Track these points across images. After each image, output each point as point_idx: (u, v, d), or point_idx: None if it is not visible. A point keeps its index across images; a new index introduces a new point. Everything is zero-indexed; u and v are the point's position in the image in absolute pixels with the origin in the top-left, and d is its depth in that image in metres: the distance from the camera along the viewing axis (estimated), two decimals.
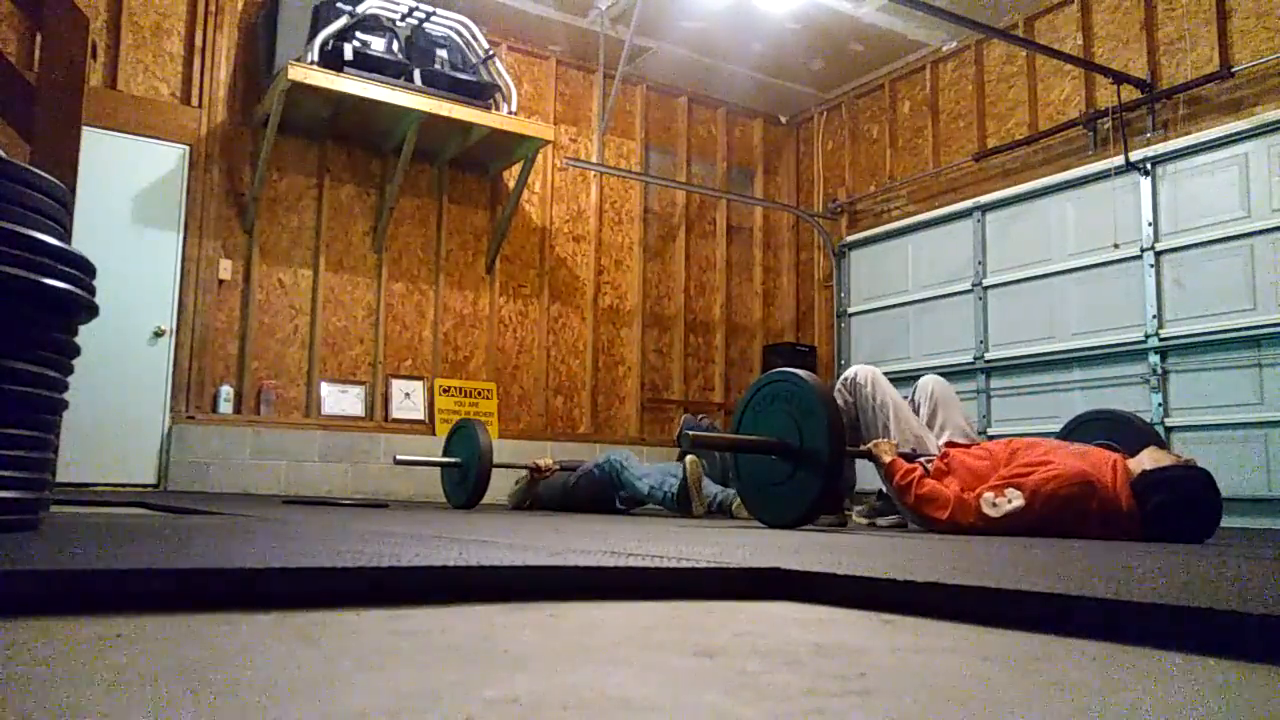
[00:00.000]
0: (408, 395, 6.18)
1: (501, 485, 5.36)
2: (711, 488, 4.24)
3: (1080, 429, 3.83)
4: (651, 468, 4.51)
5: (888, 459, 3.23)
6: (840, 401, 3.54)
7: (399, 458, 4.68)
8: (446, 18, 6.07)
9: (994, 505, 2.91)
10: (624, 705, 0.56)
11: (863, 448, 3.35)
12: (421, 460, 4.85)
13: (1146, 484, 2.86)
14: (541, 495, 4.88)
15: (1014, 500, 2.88)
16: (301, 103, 5.53)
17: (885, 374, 3.75)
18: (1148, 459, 2.96)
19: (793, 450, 2.96)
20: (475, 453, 4.41)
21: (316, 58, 5.43)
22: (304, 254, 6.02)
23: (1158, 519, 2.82)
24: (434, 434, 6.02)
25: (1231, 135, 5.08)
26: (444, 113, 5.74)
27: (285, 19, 5.70)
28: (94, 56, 5.42)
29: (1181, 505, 2.81)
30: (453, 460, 4.67)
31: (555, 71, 7.01)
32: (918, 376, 3.98)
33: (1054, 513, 2.87)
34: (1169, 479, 2.84)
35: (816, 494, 2.87)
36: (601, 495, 4.56)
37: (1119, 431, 3.63)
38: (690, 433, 3.19)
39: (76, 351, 1.66)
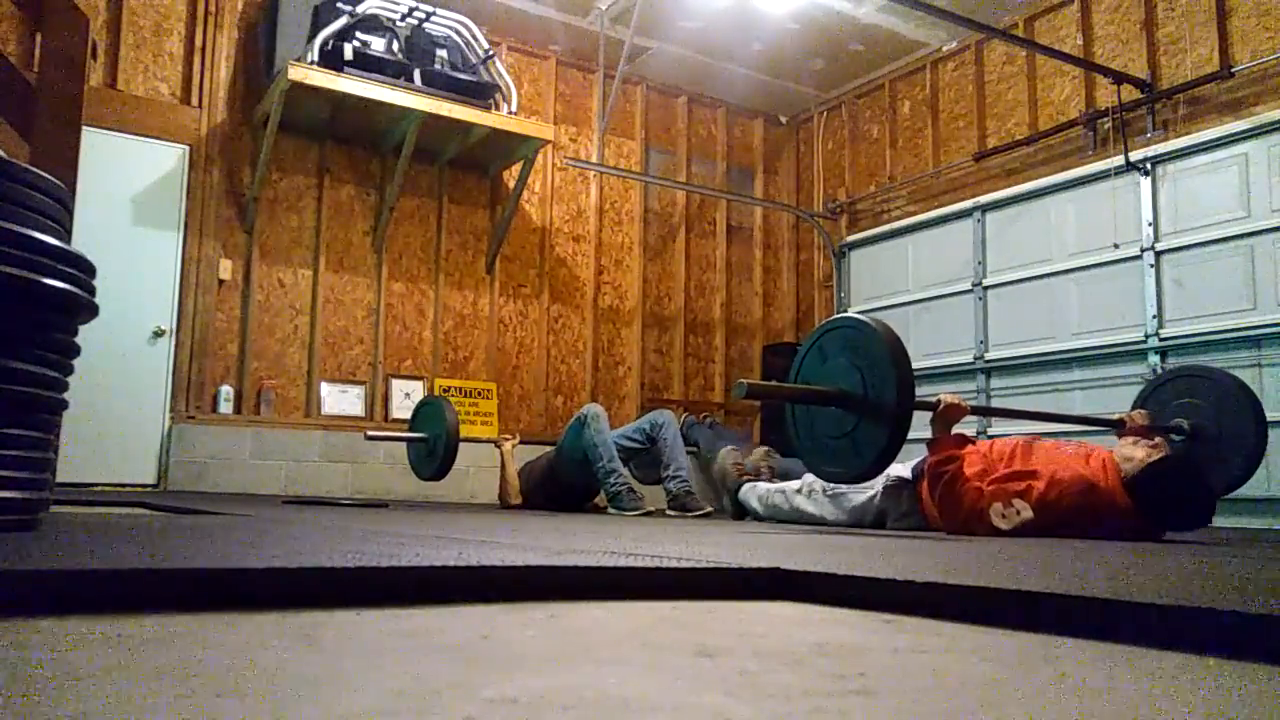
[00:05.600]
0: (408, 395, 6.18)
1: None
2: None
3: (1162, 389, 3.81)
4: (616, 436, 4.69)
5: (940, 432, 3.09)
6: None
7: (369, 434, 5.14)
8: (446, 18, 6.07)
9: (1003, 517, 2.93)
10: (624, 705, 0.56)
11: (932, 399, 3.15)
12: (391, 436, 5.31)
13: (1137, 484, 2.92)
14: (523, 487, 4.97)
15: (1023, 513, 2.93)
16: (301, 103, 5.53)
17: None
18: (1129, 454, 3.01)
19: (856, 400, 2.75)
20: (443, 428, 4.74)
21: (316, 58, 5.42)
22: (304, 254, 6.02)
23: (1155, 515, 2.91)
24: None
25: (1231, 135, 5.07)
26: (444, 113, 5.74)
27: (285, 19, 5.69)
28: (94, 56, 5.41)
29: (1174, 501, 2.91)
30: (419, 435, 4.99)
31: (555, 71, 7.01)
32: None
33: (1061, 518, 2.93)
34: (1157, 476, 2.90)
35: (884, 446, 2.68)
36: (583, 475, 4.61)
37: (1203, 393, 3.62)
38: (748, 383, 2.98)
39: (76, 351, 1.66)
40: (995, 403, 6.01)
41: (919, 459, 3.34)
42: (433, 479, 4.93)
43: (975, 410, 3.21)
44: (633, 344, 7.15)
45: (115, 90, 5.52)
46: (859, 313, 7.05)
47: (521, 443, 5.30)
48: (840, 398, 2.78)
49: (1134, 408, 3.79)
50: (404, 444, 5.28)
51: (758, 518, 3.90)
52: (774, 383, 3.33)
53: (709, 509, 4.36)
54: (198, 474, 5.44)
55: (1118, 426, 3.45)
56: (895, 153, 7.14)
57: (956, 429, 3.25)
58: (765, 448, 4.39)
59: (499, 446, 5.16)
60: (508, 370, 6.66)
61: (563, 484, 4.81)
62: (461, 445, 4.82)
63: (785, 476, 4.04)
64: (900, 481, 3.37)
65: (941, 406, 3.11)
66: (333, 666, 0.65)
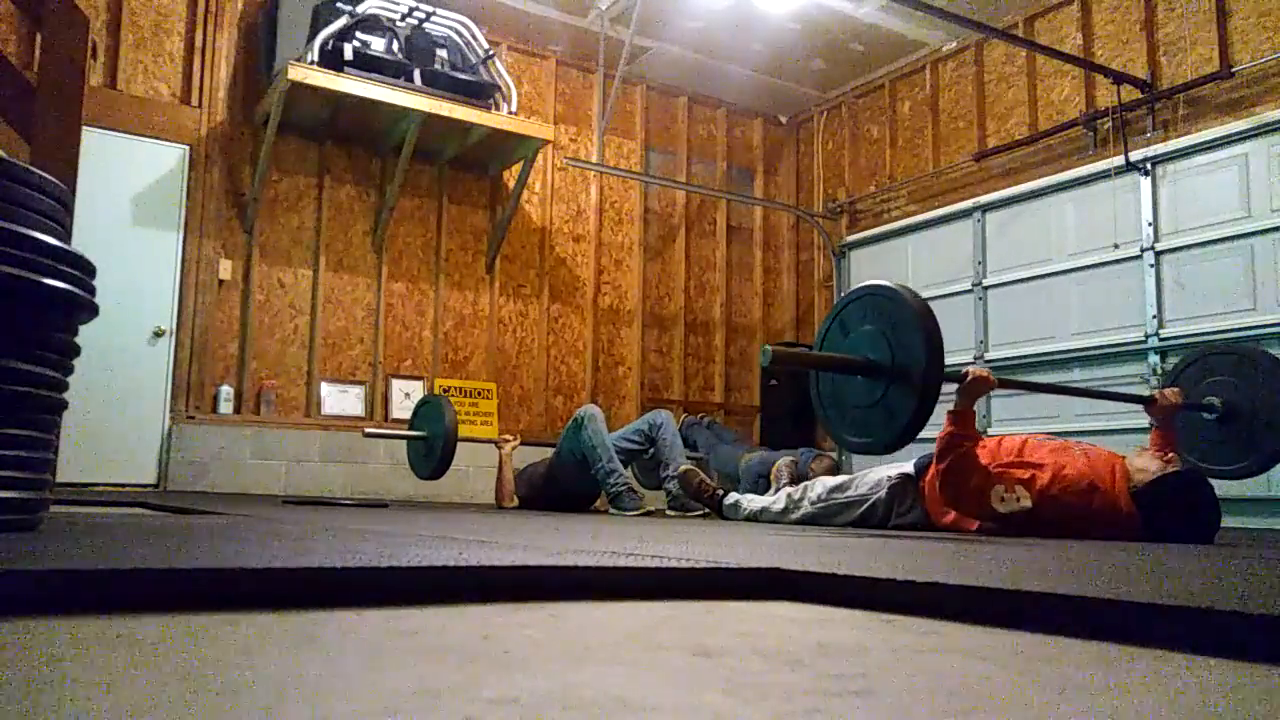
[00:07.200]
0: (408, 395, 6.18)
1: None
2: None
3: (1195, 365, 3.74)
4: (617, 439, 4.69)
5: (964, 405, 3.02)
6: None
7: (367, 431, 5.22)
8: (446, 18, 6.07)
9: (1002, 500, 2.93)
10: (624, 705, 0.56)
11: (962, 369, 3.07)
12: (389, 433, 5.38)
13: (1146, 495, 2.90)
14: (524, 491, 4.95)
15: (1022, 500, 2.91)
16: (301, 103, 5.53)
17: None
18: (1142, 465, 2.99)
19: (883, 369, 2.69)
20: (441, 427, 4.74)
21: (316, 58, 5.42)
22: (304, 254, 6.02)
23: (1159, 528, 2.88)
24: None
25: (1231, 135, 5.07)
26: (444, 113, 5.74)
27: (285, 19, 5.70)
28: (94, 56, 5.41)
29: (1181, 516, 2.87)
30: (419, 434, 4.99)
31: (555, 71, 7.01)
32: None
33: (1060, 514, 2.92)
34: (1168, 490, 2.88)
35: (911, 416, 2.60)
36: (583, 478, 4.61)
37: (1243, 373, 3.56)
38: (773, 348, 2.89)
39: (76, 351, 1.66)
40: (996, 403, 6.01)
41: (922, 454, 3.34)
42: (430, 478, 4.92)
43: (1003, 384, 3.16)
44: (633, 344, 7.15)
45: (115, 90, 5.52)
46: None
47: (522, 444, 5.28)
48: (868, 366, 2.72)
49: (1165, 386, 3.74)
50: (403, 443, 5.28)
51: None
52: (800, 350, 3.21)
53: (708, 509, 4.35)
54: (198, 474, 5.44)
55: (1147, 403, 3.41)
56: (895, 153, 7.14)
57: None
58: (789, 456, 4.36)
59: (499, 448, 5.14)
60: (508, 370, 6.66)
61: (562, 488, 4.79)
62: (461, 445, 4.81)
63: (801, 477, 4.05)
64: (904, 478, 3.36)
65: (969, 378, 3.03)
66: (333, 666, 0.65)
